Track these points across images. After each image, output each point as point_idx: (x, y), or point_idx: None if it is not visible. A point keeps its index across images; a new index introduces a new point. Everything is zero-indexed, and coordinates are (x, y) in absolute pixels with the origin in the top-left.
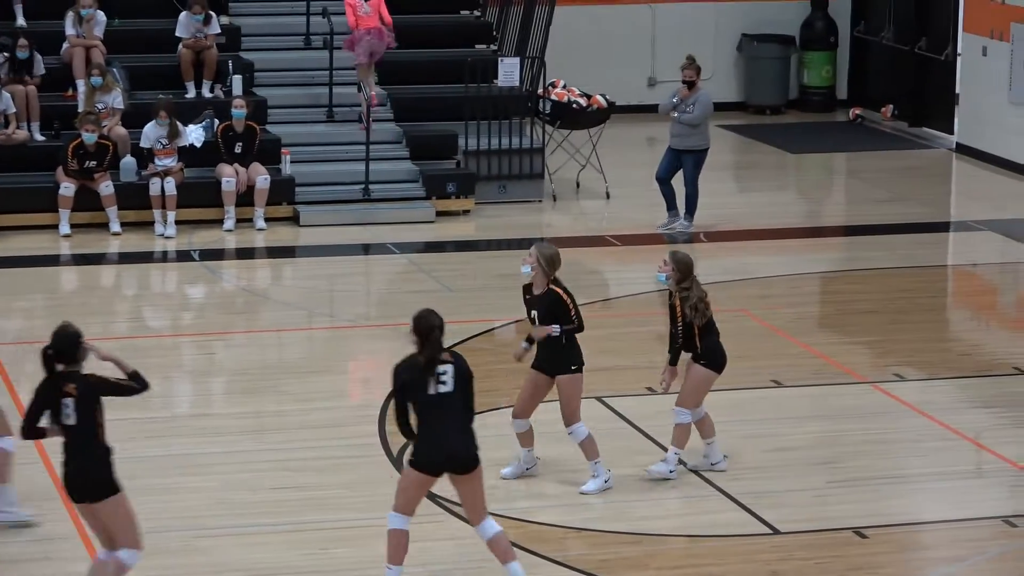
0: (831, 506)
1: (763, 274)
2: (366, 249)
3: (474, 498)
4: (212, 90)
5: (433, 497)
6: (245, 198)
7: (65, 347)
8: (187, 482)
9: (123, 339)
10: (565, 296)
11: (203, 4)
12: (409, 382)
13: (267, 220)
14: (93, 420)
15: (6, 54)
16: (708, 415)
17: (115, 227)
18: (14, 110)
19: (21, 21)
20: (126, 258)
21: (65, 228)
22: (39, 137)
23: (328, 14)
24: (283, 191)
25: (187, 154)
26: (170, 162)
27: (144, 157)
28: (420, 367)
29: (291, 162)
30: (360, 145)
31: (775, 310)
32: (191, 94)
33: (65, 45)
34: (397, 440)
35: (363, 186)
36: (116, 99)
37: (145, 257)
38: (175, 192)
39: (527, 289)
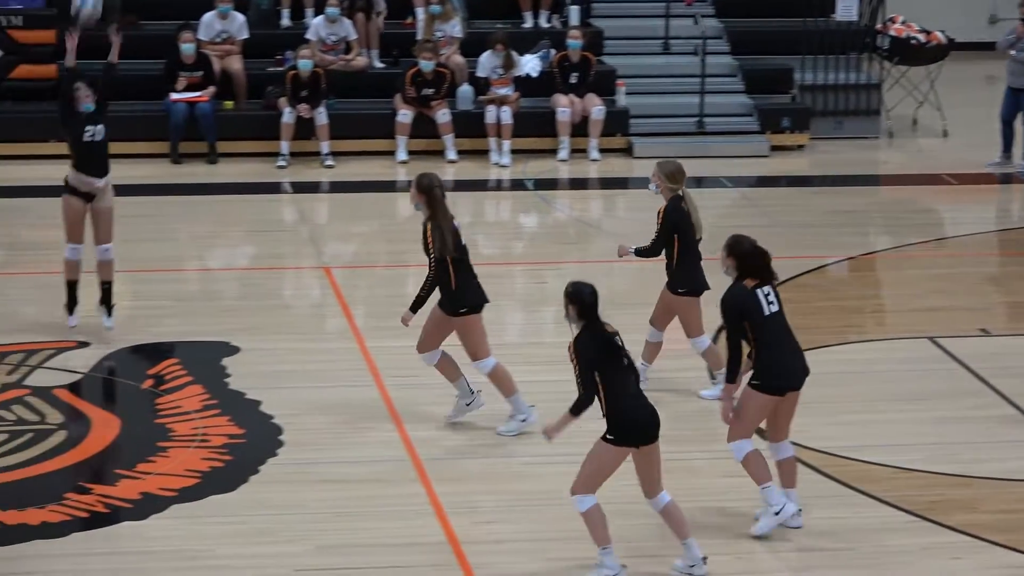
0: None
1: None
2: (699, 182)
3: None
4: (549, 20)
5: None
6: (579, 129)
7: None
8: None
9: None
10: (659, 216)
11: None
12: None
13: (601, 151)
14: None
15: None
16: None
17: (451, 155)
18: (355, 36)
19: None
20: (461, 186)
21: (402, 155)
22: (378, 64)
23: None
24: (617, 122)
25: (523, 84)
26: (506, 91)
27: (480, 86)
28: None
29: (626, 94)
30: (695, 78)
31: None
32: (528, 24)
33: None
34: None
35: (697, 119)
36: (455, 27)
37: (479, 185)
38: (511, 121)
39: None
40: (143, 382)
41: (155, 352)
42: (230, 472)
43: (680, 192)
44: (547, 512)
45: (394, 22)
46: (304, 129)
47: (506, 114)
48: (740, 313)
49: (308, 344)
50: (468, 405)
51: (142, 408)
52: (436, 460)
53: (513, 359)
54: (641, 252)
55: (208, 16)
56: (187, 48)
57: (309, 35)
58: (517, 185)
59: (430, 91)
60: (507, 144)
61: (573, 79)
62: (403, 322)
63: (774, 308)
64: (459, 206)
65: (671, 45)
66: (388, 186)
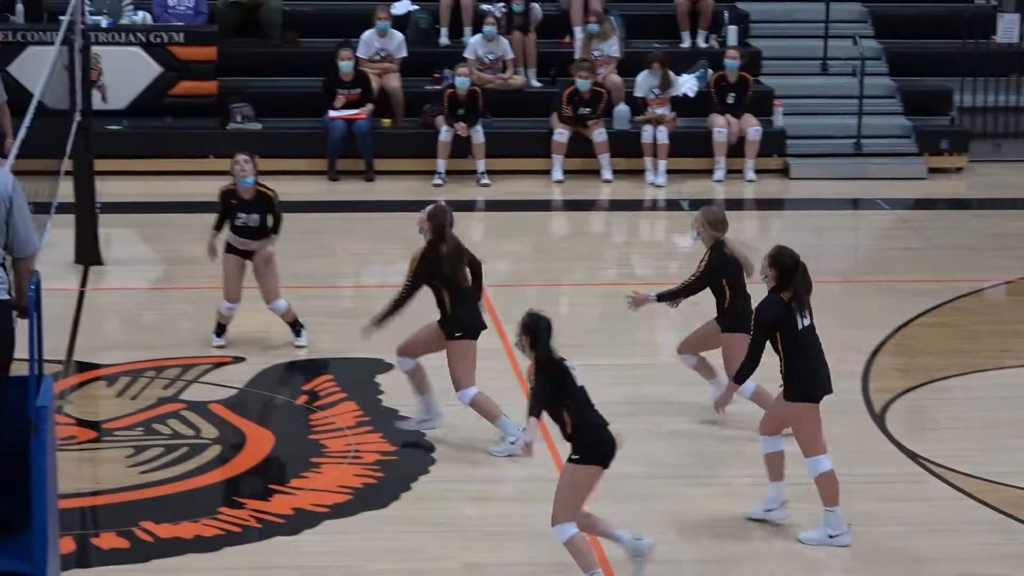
0: None
1: None
2: (855, 204)
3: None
4: (707, 40)
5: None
6: (736, 149)
7: None
8: (667, 429)
9: (610, 285)
10: (701, 263)
11: None
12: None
13: (757, 172)
14: None
15: (503, 6)
16: None
17: (606, 174)
18: (512, 55)
19: None
20: (616, 205)
21: (558, 174)
22: (535, 83)
23: None
24: (774, 143)
25: (679, 103)
26: (663, 111)
27: (637, 106)
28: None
29: (784, 114)
30: (853, 99)
31: None
32: (686, 44)
33: None
34: (879, 399)
35: (855, 140)
36: (612, 47)
37: (634, 205)
38: (667, 141)
39: None
40: (298, 398)
41: (310, 368)
42: (382, 489)
43: (722, 239)
44: (693, 531)
45: (551, 41)
46: (460, 147)
47: (662, 134)
48: (775, 323)
49: None
50: (424, 423)
51: (296, 424)
52: None
53: (667, 379)
54: (664, 296)
55: (367, 34)
56: (345, 66)
57: (467, 53)
58: (672, 205)
59: (587, 110)
60: (663, 164)
61: (730, 99)
62: (364, 334)
63: (807, 322)
64: (613, 226)
65: (829, 66)
66: (543, 205)
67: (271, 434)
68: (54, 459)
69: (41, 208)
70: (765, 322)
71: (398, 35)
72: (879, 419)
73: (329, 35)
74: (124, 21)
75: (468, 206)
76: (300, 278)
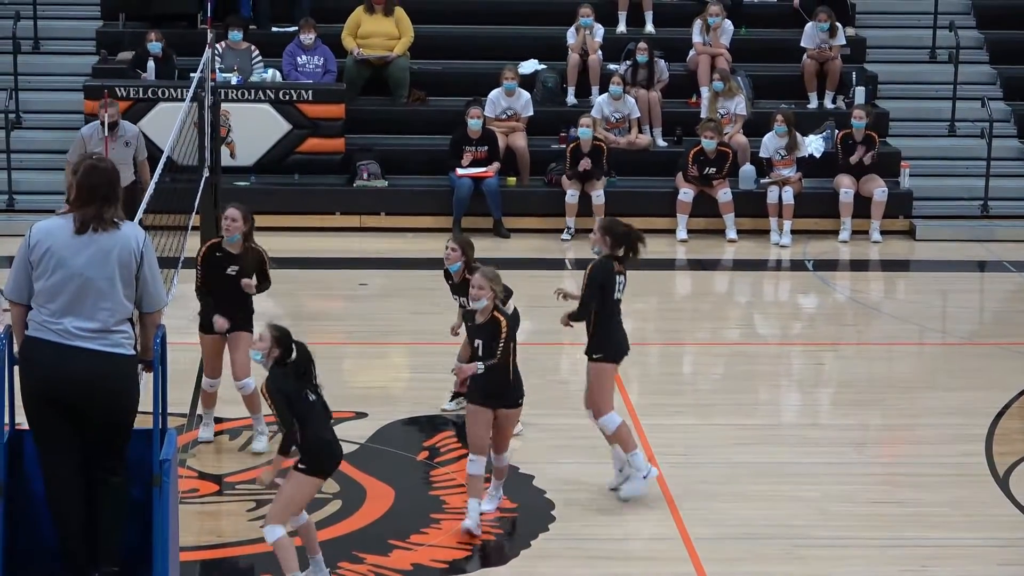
0: None
1: None
2: (982, 266)
3: None
4: (834, 101)
5: None
6: (862, 210)
7: None
8: (788, 491)
9: (733, 344)
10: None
11: (829, 14)
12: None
13: (883, 233)
14: None
15: (628, 62)
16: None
17: (731, 234)
18: (638, 115)
19: (650, 28)
20: (740, 265)
21: (682, 233)
22: (661, 143)
23: (955, 28)
24: (900, 204)
25: (805, 163)
26: (789, 172)
27: (763, 166)
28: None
29: (910, 175)
30: (981, 160)
31: None
32: (813, 104)
33: (692, 52)
34: (1002, 462)
35: (982, 202)
36: (739, 106)
37: (759, 265)
38: (792, 201)
39: None
40: (418, 453)
41: (431, 424)
42: (502, 545)
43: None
44: None
45: (678, 101)
46: (587, 206)
47: (788, 194)
48: (603, 284)
49: (583, 420)
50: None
51: (416, 479)
52: (706, 540)
53: (789, 440)
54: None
55: (494, 93)
56: (475, 123)
57: (593, 112)
58: (797, 265)
59: (712, 170)
60: (788, 224)
61: (853, 159)
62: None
63: (620, 295)
64: (737, 285)
65: (957, 127)
66: (668, 264)
67: (392, 489)
68: (176, 512)
69: (168, 263)
70: (596, 280)
71: (525, 94)
72: (1003, 483)
73: (456, 94)
74: (254, 79)
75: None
76: (423, 334)
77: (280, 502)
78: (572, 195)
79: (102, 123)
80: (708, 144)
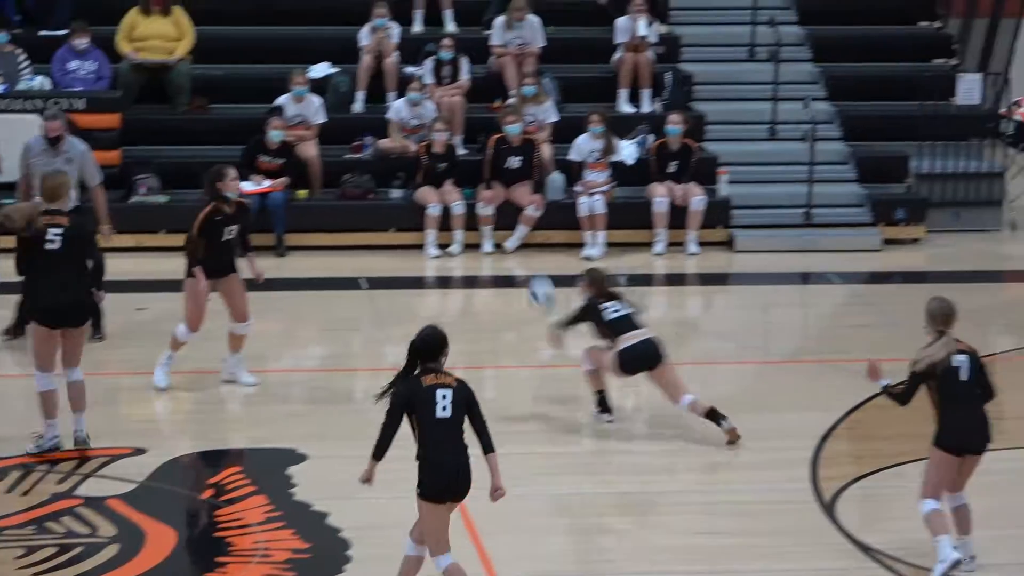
0: None
1: None
2: (805, 278)
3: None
4: (652, 101)
5: None
6: (677, 220)
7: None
8: (601, 523)
9: (542, 368)
10: None
11: (642, 8)
12: None
13: (700, 244)
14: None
15: (427, 63)
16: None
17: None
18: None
19: (451, 27)
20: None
21: (488, 245)
22: (462, 150)
23: (775, 23)
24: (718, 214)
25: (618, 172)
26: (602, 176)
27: (573, 172)
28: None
29: (728, 183)
30: (803, 166)
31: None
32: (625, 107)
33: (491, 57)
34: (828, 487)
35: (805, 210)
36: (548, 112)
37: (568, 281)
38: (604, 211)
39: None
40: (202, 492)
41: (216, 460)
42: None
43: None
44: None
45: (481, 106)
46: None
47: (599, 203)
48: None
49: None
50: None
51: (200, 520)
52: None
53: (600, 468)
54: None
55: (283, 99)
56: (276, 135)
57: (390, 115)
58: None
59: (517, 160)
60: (601, 235)
61: (672, 167)
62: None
63: None
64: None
65: (778, 130)
66: (470, 282)
67: (173, 531)
68: None
69: None
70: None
71: (316, 100)
72: (829, 509)
73: (241, 101)
74: (21, 87)
75: (399, 283)
76: (202, 361)
77: (428, 535)
78: (435, 207)
79: (44, 136)
80: (512, 129)
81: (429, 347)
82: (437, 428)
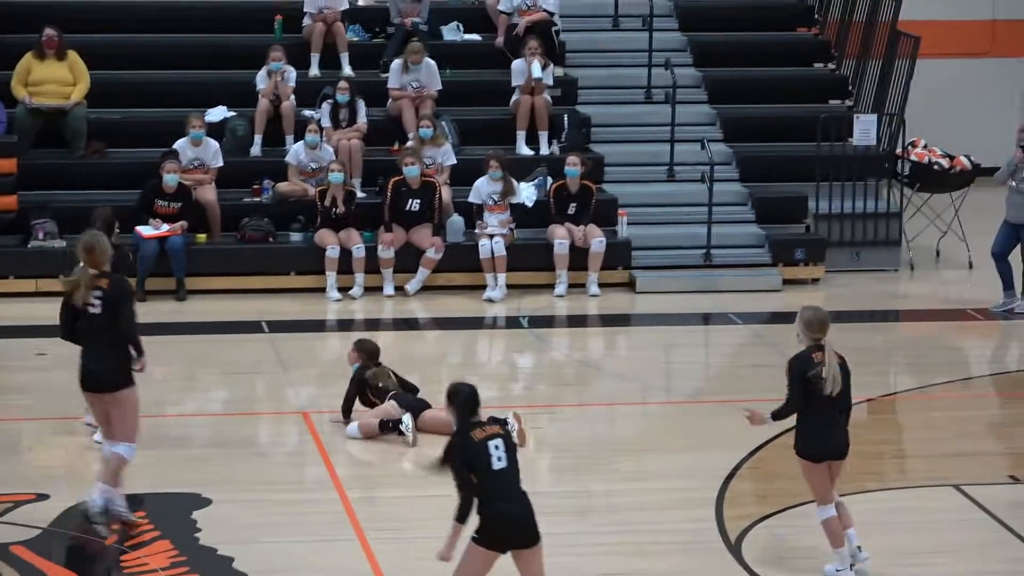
0: None
1: None
2: (706, 319)
3: None
4: (550, 144)
5: None
6: (578, 262)
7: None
8: (507, 566)
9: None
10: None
11: (537, 51)
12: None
13: (601, 286)
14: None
15: (324, 106)
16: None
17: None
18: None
19: (348, 70)
20: (451, 324)
21: (389, 288)
22: (360, 193)
23: (671, 66)
24: (619, 255)
25: (518, 213)
26: (502, 218)
27: (472, 214)
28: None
29: (628, 224)
30: (702, 207)
31: None
32: (524, 150)
33: (390, 100)
34: (734, 527)
35: (704, 251)
36: (446, 155)
37: (472, 323)
38: (504, 252)
39: None
40: (107, 538)
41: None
42: None
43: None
44: None
45: (380, 148)
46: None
47: (499, 245)
48: None
49: (285, 495)
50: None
51: (105, 566)
52: None
53: None
54: (776, 415)
55: (180, 143)
56: (171, 179)
57: (288, 159)
58: (511, 322)
59: (416, 203)
60: (502, 278)
61: (571, 209)
62: None
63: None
64: (448, 344)
65: (676, 172)
66: (373, 324)
67: None
68: None
69: None
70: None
71: (213, 143)
72: (735, 549)
73: (138, 145)
74: None
75: (300, 326)
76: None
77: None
78: (334, 250)
79: None
80: (411, 172)
81: (473, 404)
82: (497, 479)
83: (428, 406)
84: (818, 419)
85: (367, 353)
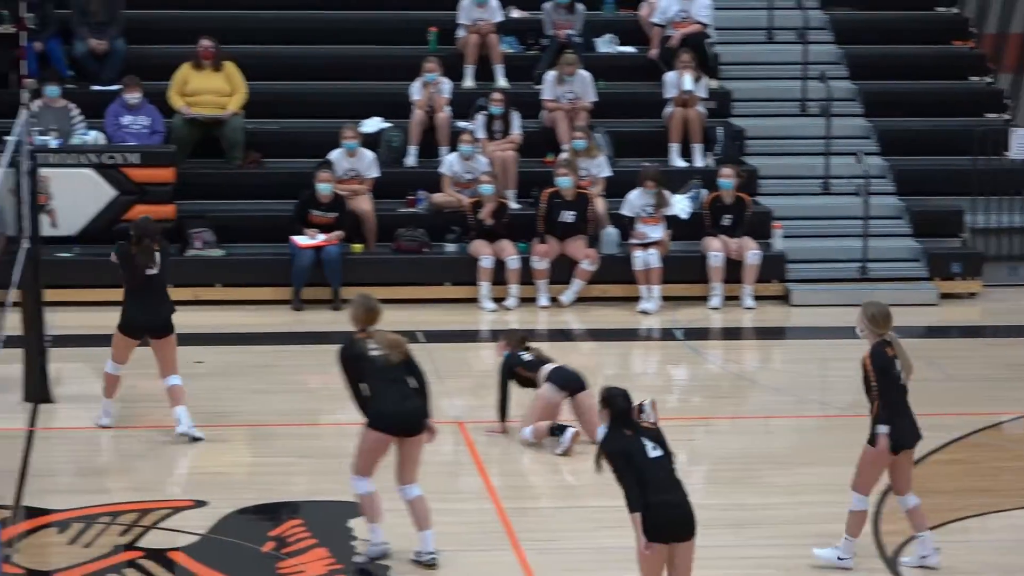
0: None
1: None
2: None
3: None
4: (704, 156)
5: None
6: (733, 274)
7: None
8: None
9: None
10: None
11: (689, 64)
12: None
13: (756, 298)
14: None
15: (479, 117)
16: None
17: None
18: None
19: (502, 82)
20: (606, 335)
21: (544, 299)
22: (514, 205)
23: (827, 78)
24: (774, 268)
25: (672, 226)
26: (656, 230)
27: (626, 227)
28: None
29: (783, 237)
30: (858, 220)
31: None
32: (678, 162)
33: (543, 111)
34: (891, 541)
35: (860, 264)
36: (600, 166)
37: (627, 335)
38: (659, 264)
39: None
40: (264, 544)
41: (278, 512)
42: None
43: (886, 336)
44: None
45: (534, 160)
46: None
47: (654, 257)
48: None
49: (440, 504)
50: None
51: (262, 573)
52: None
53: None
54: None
55: (335, 154)
56: (324, 188)
57: (442, 170)
58: (666, 335)
59: (570, 215)
60: (656, 289)
61: (726, 221)
62: None
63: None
64: (604, 356)
65: (831, 185)
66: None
67: None
68: None
69: None
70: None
71: (368, 154)
72: (891, 563)
73: (294, 155)
74: (75, 141)
75: (453, 336)
76: (264, 415)
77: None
78: (488, 260)
79: None
80: (564, 183)
81: (626, 407)
82: (653, 468)
83: (584, 386)
84: (893, 411)
85: (517, 339)
